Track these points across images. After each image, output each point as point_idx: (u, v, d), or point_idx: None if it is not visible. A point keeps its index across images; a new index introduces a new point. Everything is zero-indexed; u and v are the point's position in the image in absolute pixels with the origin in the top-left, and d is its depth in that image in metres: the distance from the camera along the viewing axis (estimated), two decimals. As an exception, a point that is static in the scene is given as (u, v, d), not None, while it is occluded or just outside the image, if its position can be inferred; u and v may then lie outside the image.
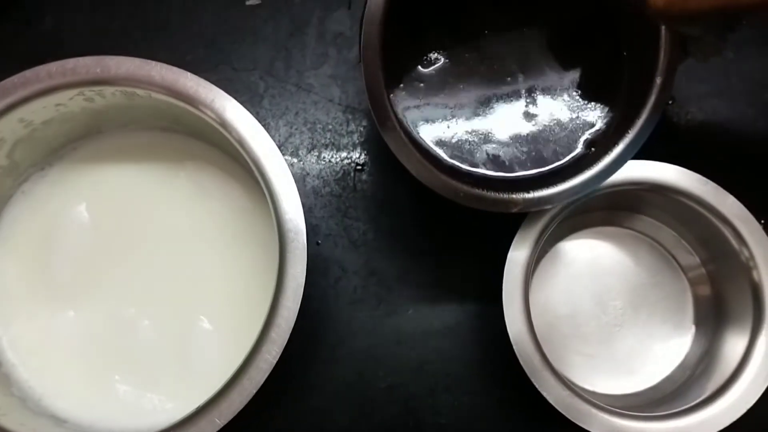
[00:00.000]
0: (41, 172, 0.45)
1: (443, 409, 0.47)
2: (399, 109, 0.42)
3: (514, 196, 0.40)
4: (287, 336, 0.37)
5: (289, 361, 0.37)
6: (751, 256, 0.42)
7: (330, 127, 0.50)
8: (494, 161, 0.42)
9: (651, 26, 0.38)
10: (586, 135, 0.42)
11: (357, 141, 0.50)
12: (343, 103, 0.50)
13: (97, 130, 0.45)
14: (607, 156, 0.40)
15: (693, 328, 0.48)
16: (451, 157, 0.42)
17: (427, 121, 0.43)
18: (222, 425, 0.36)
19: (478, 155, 0.42)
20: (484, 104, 0.43)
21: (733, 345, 0.43)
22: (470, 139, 0.42)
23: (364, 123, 0.50)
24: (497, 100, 0.43)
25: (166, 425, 0.37)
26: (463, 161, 0.42)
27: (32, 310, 0.44)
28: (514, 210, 0.40)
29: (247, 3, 0.52)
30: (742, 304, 0.43)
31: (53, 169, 0.45)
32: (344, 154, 0.50)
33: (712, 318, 0.47)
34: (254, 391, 0.36)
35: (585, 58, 0.43)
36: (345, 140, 0.50)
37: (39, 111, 0.40)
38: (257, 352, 0.36)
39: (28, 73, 0.39)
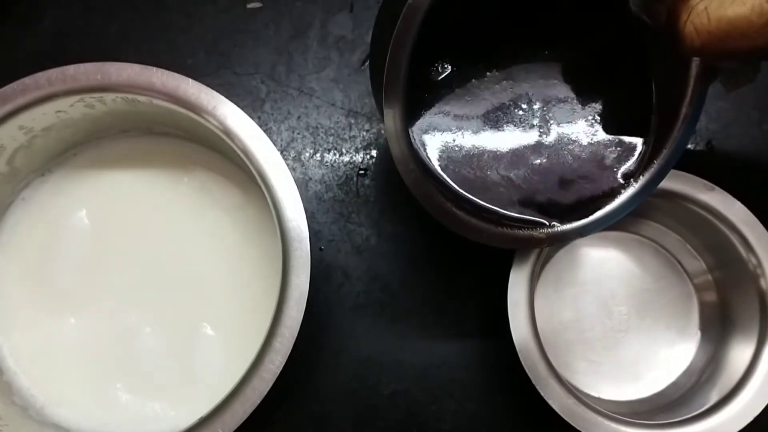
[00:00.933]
0: (41, 178, 0.45)
1: (447, 416, 0.47)
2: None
3: (535, 233, 0.39)
4: (291, 345, 0.36)
5: (291, 367, 0.37)
6: (759, 264, 0.42)
7: (332, 131, 0.50)
8: (511, 193, 0.40)
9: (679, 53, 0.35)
10: (623, 168, 0.40)
11: (359, 145, 0.50)
12: (345, 107, 0.50)
13: (97, 136, 0.45)
14: (632, 186, 0.38)
15: (698, 334, 0.47)
16: (468, 190, 0.40)
17: (433, 139, 0.40)
18: (225, 436, 0.36)
19: (493, 186, 0.40)
20: (495, 127, 0.41)
21: (740, 352, 0.43)
22: (482, 165, 0.40)
23: (367, 127, 0.50)
24: (511, 125, 0.40)
25: (169, 435, 0.37)
26: (477, 193, 0.40)
27: (33, 317, 0.43)
28: (539, 247, 0.39)
29: (248, 6, 0.51)
30: (748, 311, 0.43)
31: (53, 175, 0.45)
32: (347, 159, 0.50)
33: (717, 324, 0.46)
34: (258, 402, 0.36)
35: (610, 85, 0.41)
36: (347, 145, 0.50)
37: (39, 118, 0.40)
38: (261, 362, 0.36)
39: (27, 80, 0.39)
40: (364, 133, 0.50)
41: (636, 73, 0.40)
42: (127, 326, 0.43)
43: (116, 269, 0.44)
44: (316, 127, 0.50)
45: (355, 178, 0.49)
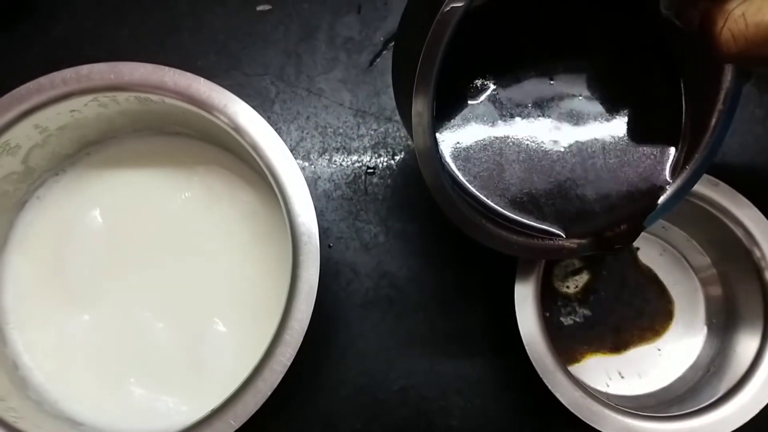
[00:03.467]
0: (55, 177, 0.45)
1: (455, 411, 0.47)
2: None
3: (566, 244, 0.38)
4: (301, 338, 0.37)
5: (300, 363, 0.37)
6: (763, 257, 0.42)
7: (341, 130, 0.50)
8: (539, 204, 0.39)
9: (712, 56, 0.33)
10: (657, 176, 0.38)
11: (368, 144, 0.50)
12: (353, 107, 0.51)
13: (110, 135, 0.45)
14: (665, 194, 0.38)
15: (704, 329, 0.48)
16: (496, 202, 0.38)
17: (458, 150, 0.39)
18: (237, 427, 0.36)
19: (519, 198, 0.39)
20: (519, 138, 0.39)
21: (745, 345, 0.43)
22: (508, 176, 0.39)
23: (375, 126, 0.51)
24: (537, 136, 0.39)
25: (181, 427, 0.37)
26: (505, 205, 0.38)
27: (47, 313, 0.44)
28: (571, 257, 0.39)
29: (258, 8, 0.52)
30: (753, 304, 0.44)
31: (67, 174, 0.45)
32: (355, 158, 0.50)
33: (723, 318, 0.47)
34: (269, 393, 0.36)
35: (638, 94, 0.39)
36: (356, 144, 0.50)
37: (54, 117, 0.41)
38: (271, 354, 0.37)
39: (42, 80, 0.39)
40: (372, 132, 0.50)
41: (664, 79, 0.39)
42: (139, 322, 0.44)
43: (129, 266, 0.45)
44: (325, 127, 0.50)
45: (363, 177, 0.50)
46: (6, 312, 0.44)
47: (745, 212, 0.43)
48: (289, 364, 0.37)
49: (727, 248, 0.45)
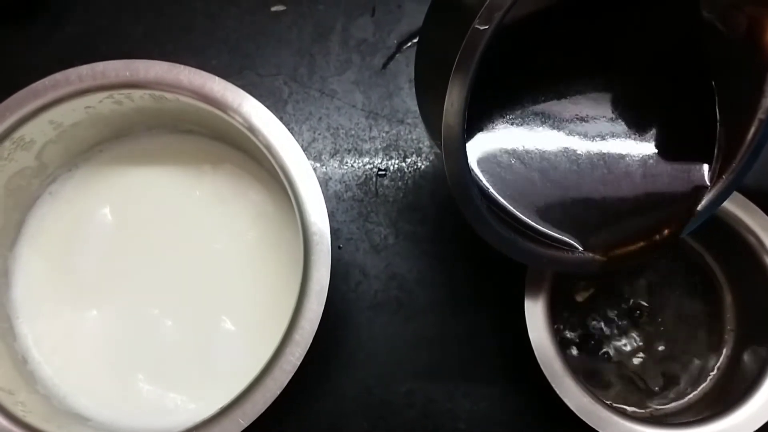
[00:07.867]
0: (68, 173, 0.45)
1: (462, 414, 0.47)
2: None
3: (596, 256, 0.38)
4: (311, 338, 0.37)
5: (308, 364, 0.37)
6: (776, 266, 0.43)
7: (353, 132, 0.51)
8: (567, 216, 0.38)
9: (755, 63, 0.33)
10: (691, 189, 0.37)
11: (379, 146, 0.50)
12: (366, 109, 0.51)
13: (124, 132, 0.45)
14: (700, 202, 0.37)
15: (717, 339, 0.47)
16: (523, 213, 0.38)
17: (489, 161, 0.38)
18: (245, 426, 0.36)
19: (547, 209, 0.38)
20: (546, 153, 0.38)
21: (756, 354, 0.43)
22: (538, 192, 0.38)
23: (386, 128, 0.51)
24: (567, 152, 0.38)
25: (189, 425, 0.37)
26: (533, 217, 0.38)
27: (57, 309, 0.44)
28: (601, 270, 0.38)
29: (272, 9, 0.52)
30: (764, 312, 0.43)
31: (80, 170, 0.45)
32: (366, 159, 0.50)
33: (735, 328, 0.47)
34: (278, 392, 0.36)
35: (672, 105, 0.38)
36: (367, 145, 0.50)
37: (68, 113, 0.41)
38: (281, 353, 0.37)
39: (58, 76, 0.39)
40: (384, 135, 0.51)
41: (697, 88, 0.38)
42: (148, 319, 0.44)
43: (139, 264, 0.45)
44: (337, 128, 0.51)
45: (374, 178, 0.50)
46: (16, 306, 0.44)
47: (756, 221, 0.43)
48: (298, 363, 0.37)
49: (738, 256, 0.45)
